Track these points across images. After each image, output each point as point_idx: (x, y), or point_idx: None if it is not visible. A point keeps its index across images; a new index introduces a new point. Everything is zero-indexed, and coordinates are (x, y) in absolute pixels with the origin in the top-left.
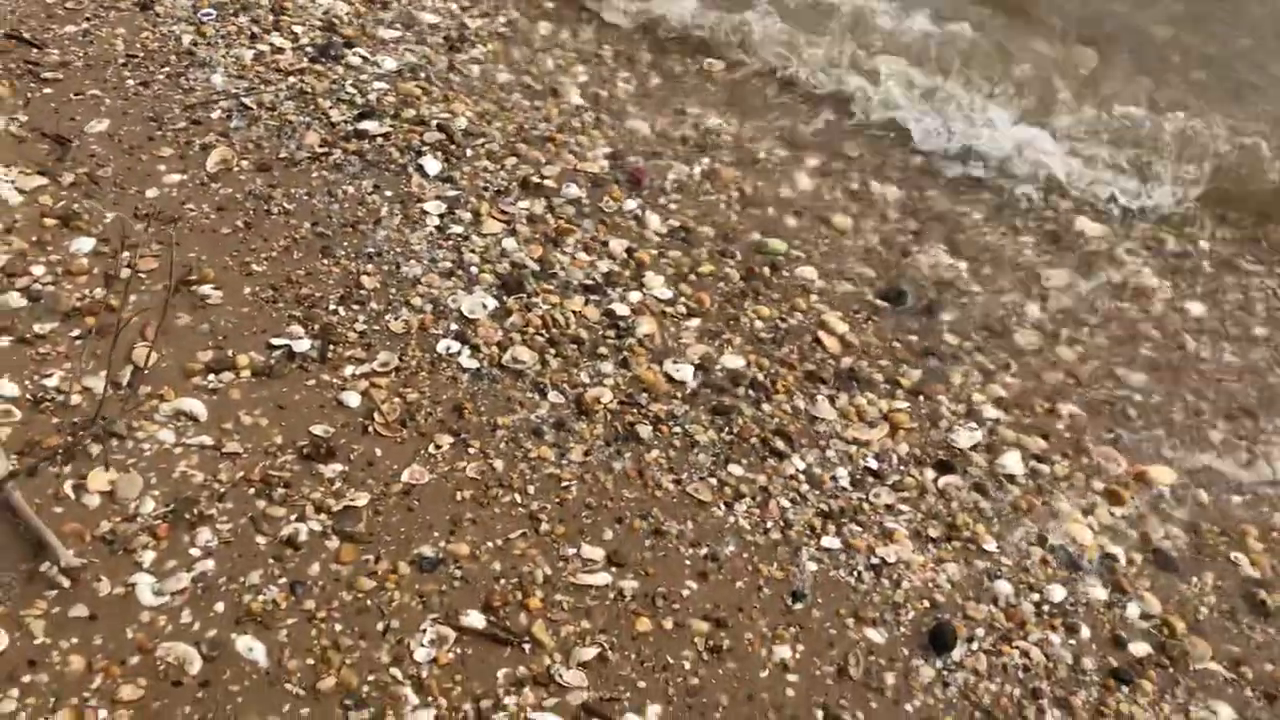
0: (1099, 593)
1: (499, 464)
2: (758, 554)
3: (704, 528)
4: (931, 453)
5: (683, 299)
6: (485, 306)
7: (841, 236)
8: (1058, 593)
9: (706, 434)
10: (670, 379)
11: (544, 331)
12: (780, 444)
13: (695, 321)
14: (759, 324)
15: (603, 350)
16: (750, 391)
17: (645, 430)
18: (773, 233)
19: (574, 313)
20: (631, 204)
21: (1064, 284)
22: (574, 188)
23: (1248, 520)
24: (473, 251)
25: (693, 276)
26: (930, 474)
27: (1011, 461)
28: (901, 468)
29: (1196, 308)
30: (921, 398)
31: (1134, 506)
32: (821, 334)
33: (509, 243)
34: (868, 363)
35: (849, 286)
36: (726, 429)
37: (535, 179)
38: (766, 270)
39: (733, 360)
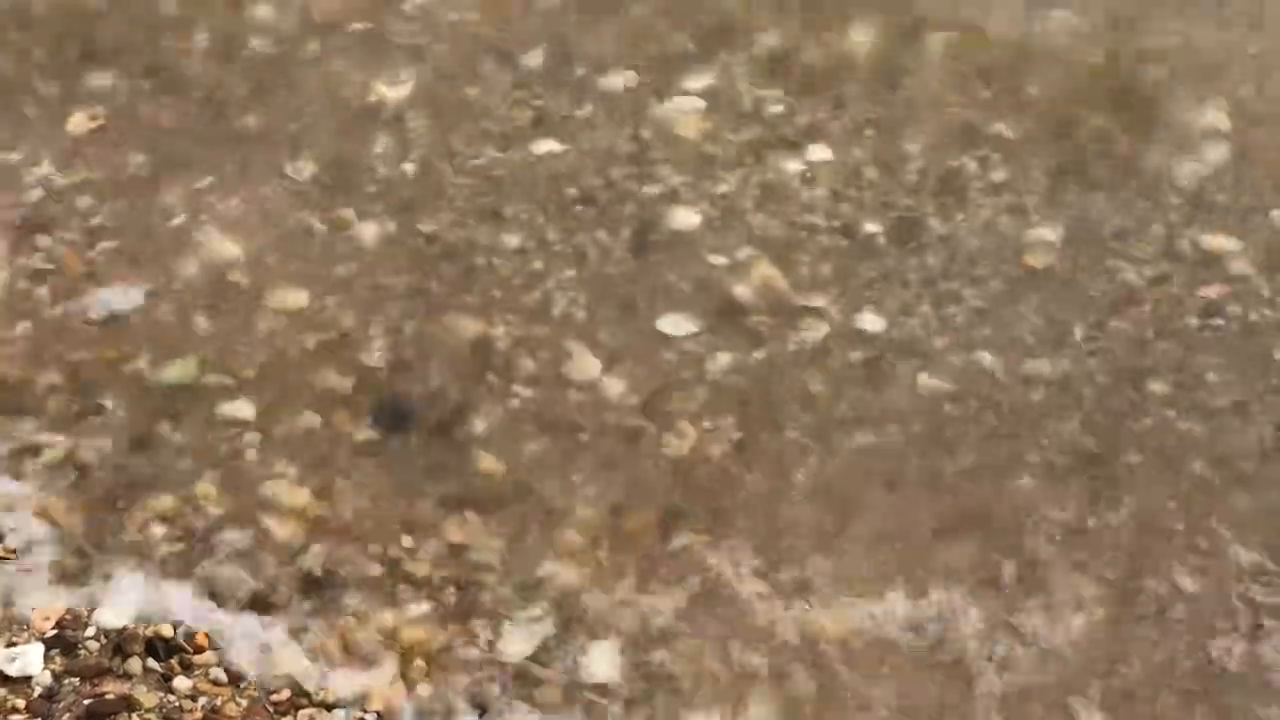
0: None
1: None
2: None
3: None
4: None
5: None
6: None
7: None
8: None
9: None
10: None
11: None
12: None
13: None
14: (158, 530)
15: None
16: (152, 663)
17: None
18: (175, 347)
19: None
20: None
21: None
22: None
23: None
24: None
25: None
26: None
27: None
28: None
29: None
30: (457, 590)
31: None
32: (266, 519)
33: None
34: (358, 549)
35: (309, 418)
36: None
37: None
38: (165, 427)
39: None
